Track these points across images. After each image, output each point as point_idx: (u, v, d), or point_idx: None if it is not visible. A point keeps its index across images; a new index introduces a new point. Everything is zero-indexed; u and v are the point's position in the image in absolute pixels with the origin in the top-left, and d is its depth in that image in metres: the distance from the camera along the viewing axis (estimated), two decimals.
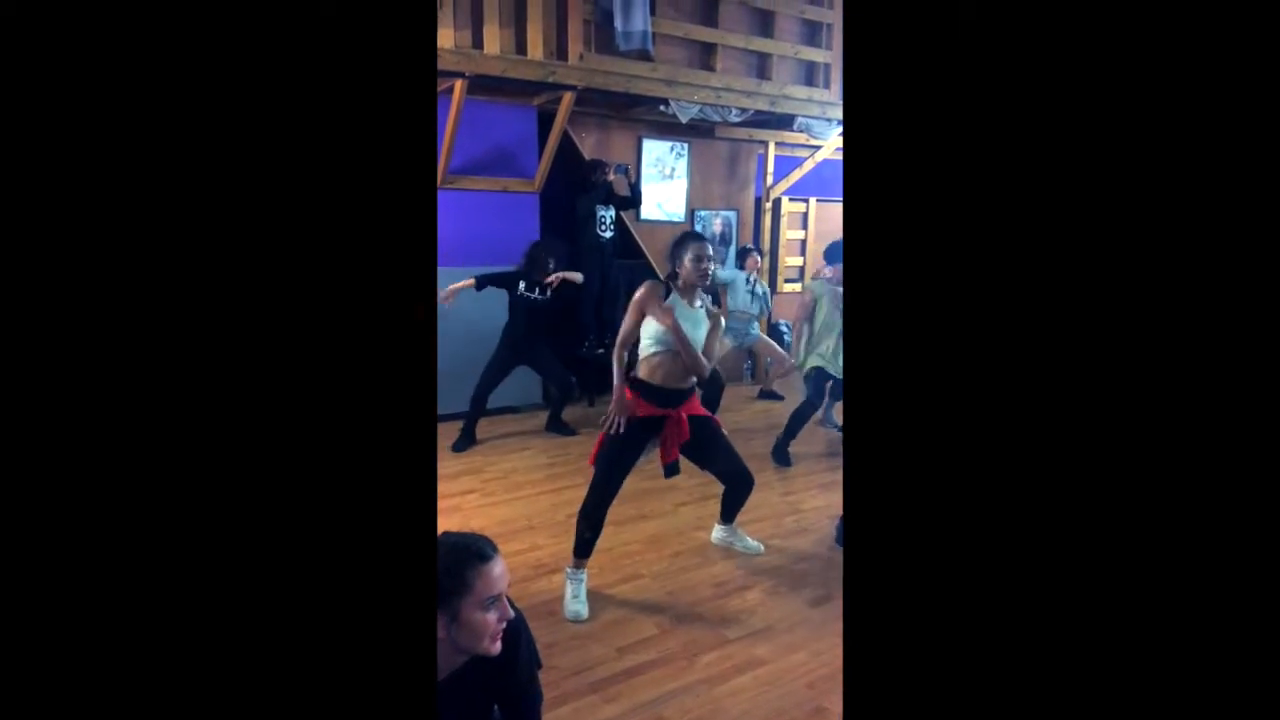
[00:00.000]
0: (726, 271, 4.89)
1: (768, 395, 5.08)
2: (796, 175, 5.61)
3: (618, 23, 4.03)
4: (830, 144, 5.33)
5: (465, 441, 3.84)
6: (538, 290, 3.83)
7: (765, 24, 4.83)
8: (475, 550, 1.10)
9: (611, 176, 4.46)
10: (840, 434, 4.10)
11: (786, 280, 5.91)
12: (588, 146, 4.75)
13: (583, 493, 2.34)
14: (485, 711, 1.24)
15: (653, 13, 4.20)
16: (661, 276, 2.42)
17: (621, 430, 2.27)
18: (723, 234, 5.52)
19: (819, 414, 3.95)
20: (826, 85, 5.04)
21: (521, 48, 3.82)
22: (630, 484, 2.40)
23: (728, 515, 2.67)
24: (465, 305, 4.10)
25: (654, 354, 2.28)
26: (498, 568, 1.11)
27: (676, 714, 1.80)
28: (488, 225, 4.33)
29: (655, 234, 4.98)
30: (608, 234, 4.52)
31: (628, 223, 4.91)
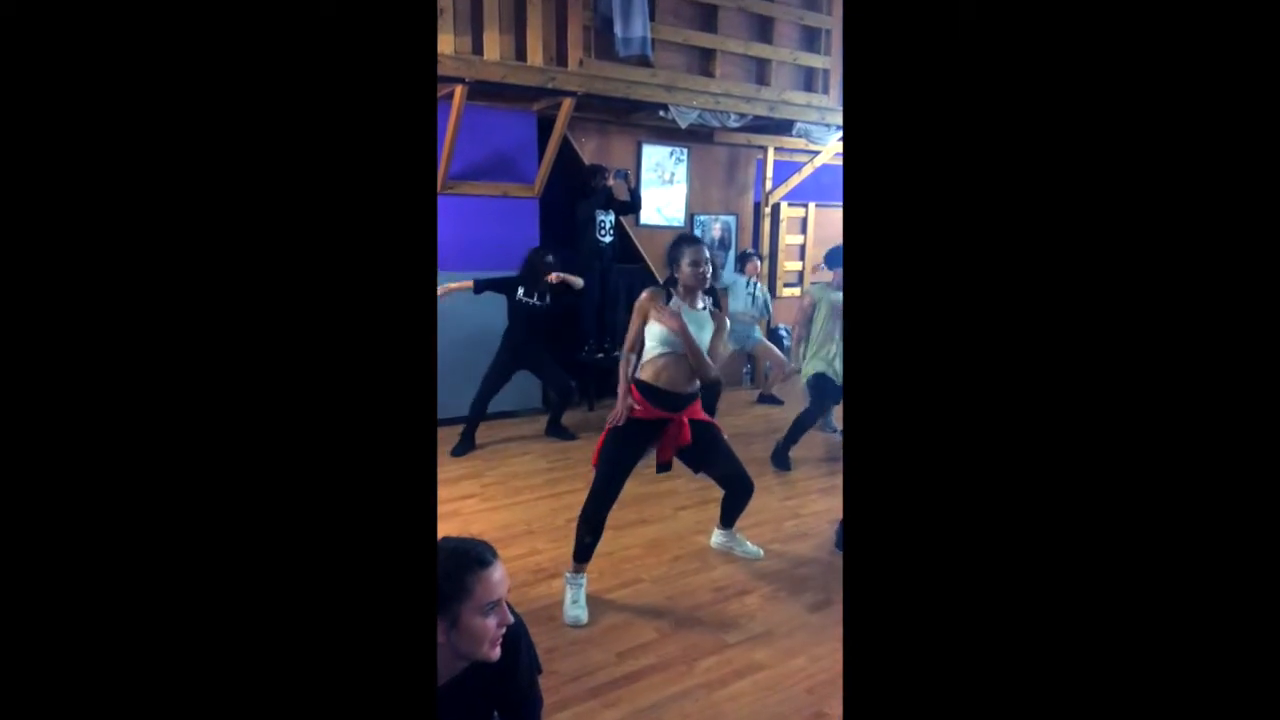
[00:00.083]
0: (726, 275, 4.90)
1: (767, 400, 5.08)
2: (795, 180, 5.62)
3: (617, 29, 4.05)
4: (829, 149, 5.34)
5: (465, 446, 3.84)
6: (536, 296, 3.84)
7: (764, 30, 4.84)
8: (475, 555, 1.11)
9: (611, 182, 4.47)
10: (839, 438, 4.10)
11: (785, 285, 5.92)
12: (587, 152, 4.76)
13: (583, 497, 2.34)
14: (485, 717, 1.23)
15: (652, 19, 4.22)
16: (661, 281, 2.43)
17: (623, 422, 2.27)
18: (722, 239, 5.53)
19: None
20: (825, 91, 5.05)
21: (521, 53, 3.83)
22: (629, 488, 2.40)
23: (727, 520, 2.67)
24: (464, 310, 4.11)
25: (658, 356, 2.29)
26: (497, 573, 1.12)
27: (676, 719, 1.80)
28: (487, 230, 4.34)
29: (655, 239, 4.98)
30: (607, 239, 4.53)
31: (627, 228, 4.92)
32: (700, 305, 2.34)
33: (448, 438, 3.83)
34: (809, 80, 5.04)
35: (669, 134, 4.98)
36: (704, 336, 2.29)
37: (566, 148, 4.53)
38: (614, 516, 2.34)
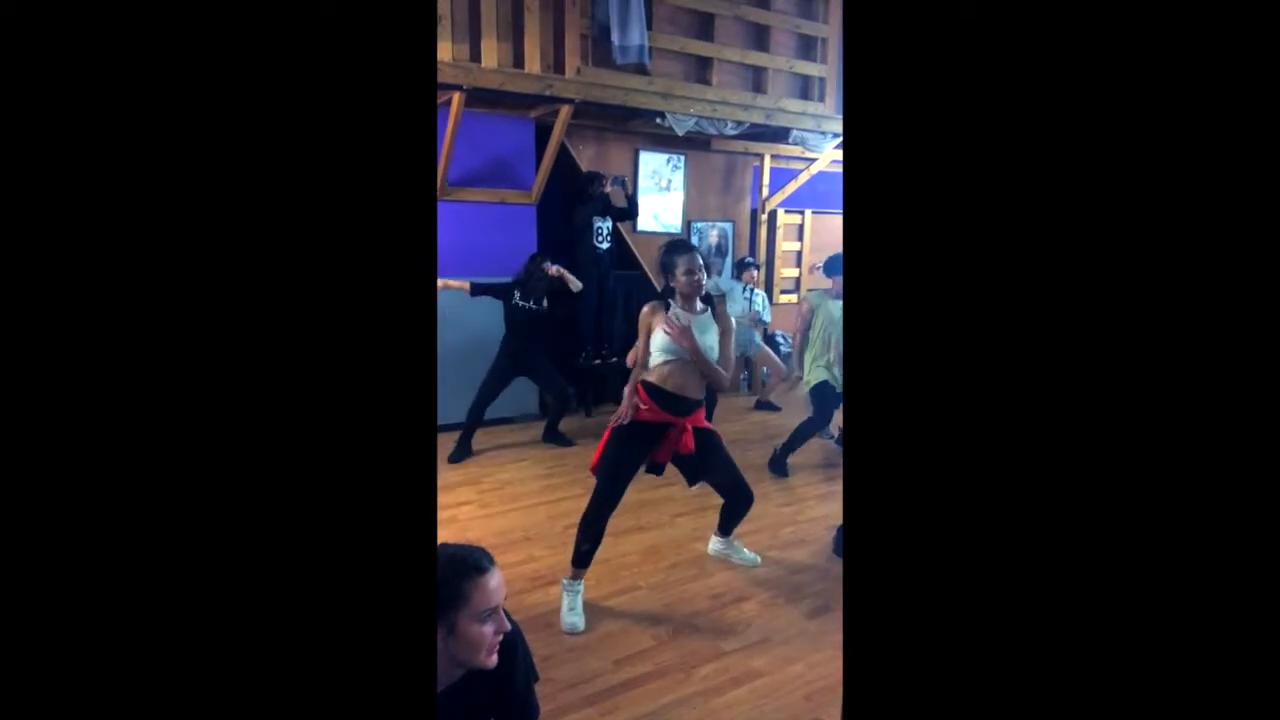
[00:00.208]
0: (724, 282, 4.91)
1: (764, 406, 5.08)
2: (792, 187, 5.64)
3: (615, 37, 4.07)
4: (825, 157, 5.37)
5: (461, 452, 3.84)
6: (534, 301, 3.85)
7: (760, 38, 4.87)
8: (472, 562, 1.10)
9: (608, 188, 4.49)
10: (835, 444, 4.11)
11: (782, 291, 5.93)
12: (585, 159, 4.77)
13: (580, 504, 2.33)
14: None
15: (649, 27, 4.24)
16: (658, 287, 2.43)
17: (628, 421, 2.26)
18: (719, 245, 5.54)
19: None
20: (821, 99, 5.08)
21: (519, 61, 3.85)
22: (628, 495, 2.39)
23: (725, 529, 2.66)
24: (463, 317, 4.11)
25: (664, 363, 2.29)
26: (494, 580, 1.11)
27: None
28: (485, 237, 4.35)
29: (652, 245, 4.99)
30: (604, 245, 4.54)
31: (624, 234, 4.93)
32: (700, 309, 2.34)
33: (444, 444, 3.82)
34: (805, 88, 5.07)
35: (666, 141, 5.00)
36: (710, 339, 2.30)
37: (564, 155, 4.55)
38: (611, 523, 2.33)
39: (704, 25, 4.63)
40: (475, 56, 3.73)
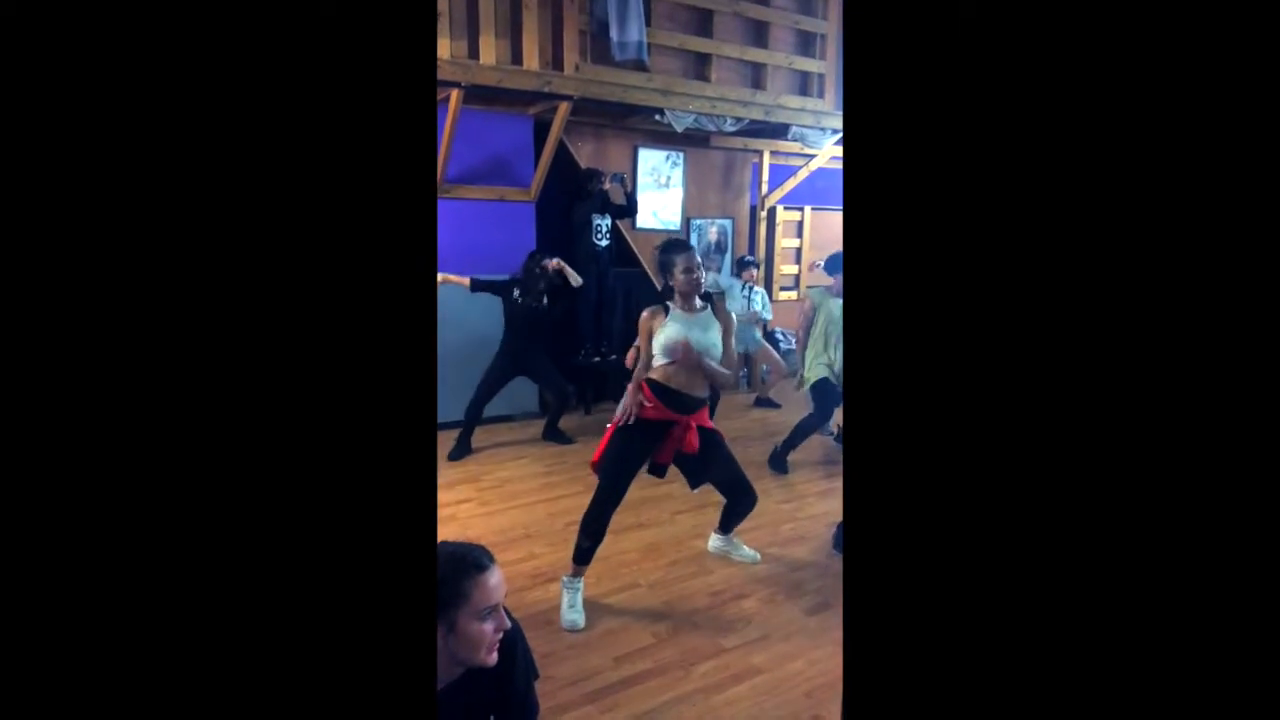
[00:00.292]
0: (723, 279, 4.90)
1: (764, 403, 5.08)
2: (791, 184, 5.63)
3: (613, 33, 4.06)
4: (825, 153, 5.36)
5: (461, 450, 3.84)
6: (533, 299, 3.84)
7: (759, 34, 4.86)
8: (472, 560, 1.10)
9: (607, 185, 4.48)
10: (835, 441, 4.11)
11: (781, 288, 5.93)
12: (584, 156, 4.77)
13: (580, 501, 2.34)
14: None
15: (648, 23, 4.23)
16: (658, 286, 2.43)
17: (633, 420, 2.26)
18: (718, 242, 5.54)
19: None
20: (820, 95, 5.07)
21: (517, 58, 3.84)
22: (628, 493, 2.39)
23: (726, 527, 2.66)
24: (463, 316, 4.11)
25: (667, 364, 2.28)
26: (494, 578, 1.11)
27: None
28: (484, 234, 4.34)
29: (651, 242, 4.98)
30: (603, 242, 4.53)
31: (623, 231, 4.93)
32: (698, 304, 2.34)
33: (444, 442, 3.82)
34: (804, 84, 5.06)
35: (665, 138, 4.99)
36: (712, 337, 2.30)
37: (563, 152, 4.54)
38: (611, 520, 2.33)
39: (703, 21, 4.62)
40: (473, 53, 3.72)
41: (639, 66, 4.21)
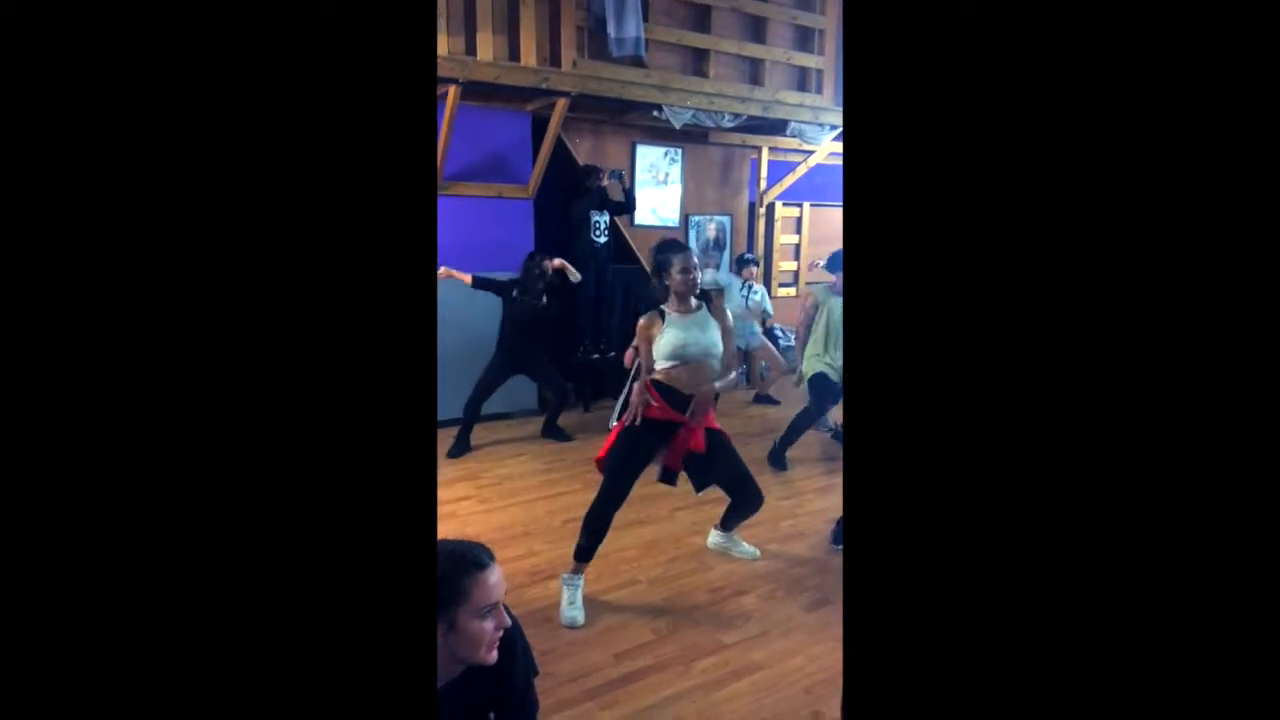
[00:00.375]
0: (723, 276, 4.90)
1: (763, 400, 5.09)
2: (790, 180, 5.63)
3: (611, 29, 4.05)
4: (823, 149, 5.35)
5: (460, 448, 3.84)
6: (532, 298, 3.84)
7: (757, 30, 4.85)
8: (472, 558, 1.10)
9: (606, 182, 4.47)
10: (832, 438, 4.11)
11: (780, 285, 5.92)
12: (582, 152, 4.76)
13: (579, 498, 2.34)
14: None
15: (646, 19, 4.22)
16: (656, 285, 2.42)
17: (638, 422, 2.26)
18: (717, 239, 5.53)
19: None
20: (819, 90, 5.06)
21: (515, 54, 3.83)
22: None
23: (727, 524, 2.66)
24: (463, 315, 4.10)
25: (671, 367, 2.28)
26: (494, 576, 1.11)
27: None
28: (482, 231, 4.33)
29: (649, 239, 4.98)
30: (602, 239, 4.53)
31: (622, 228, 4.92)
32: (693, 303, 2.34)
33: (443, 440, 3.82)
34: (802, 80, 5.05)
35: (663, 134, 4.98)
36: (712, 336, 2.29)
37: (561, 148, 4.53)
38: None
39: (700, 17, 4.60)
40: (470, 50, 3.71)
41: (637, 62, 4.20)
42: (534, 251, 3.98)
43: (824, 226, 5.97)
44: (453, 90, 3.67)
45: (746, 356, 5.28)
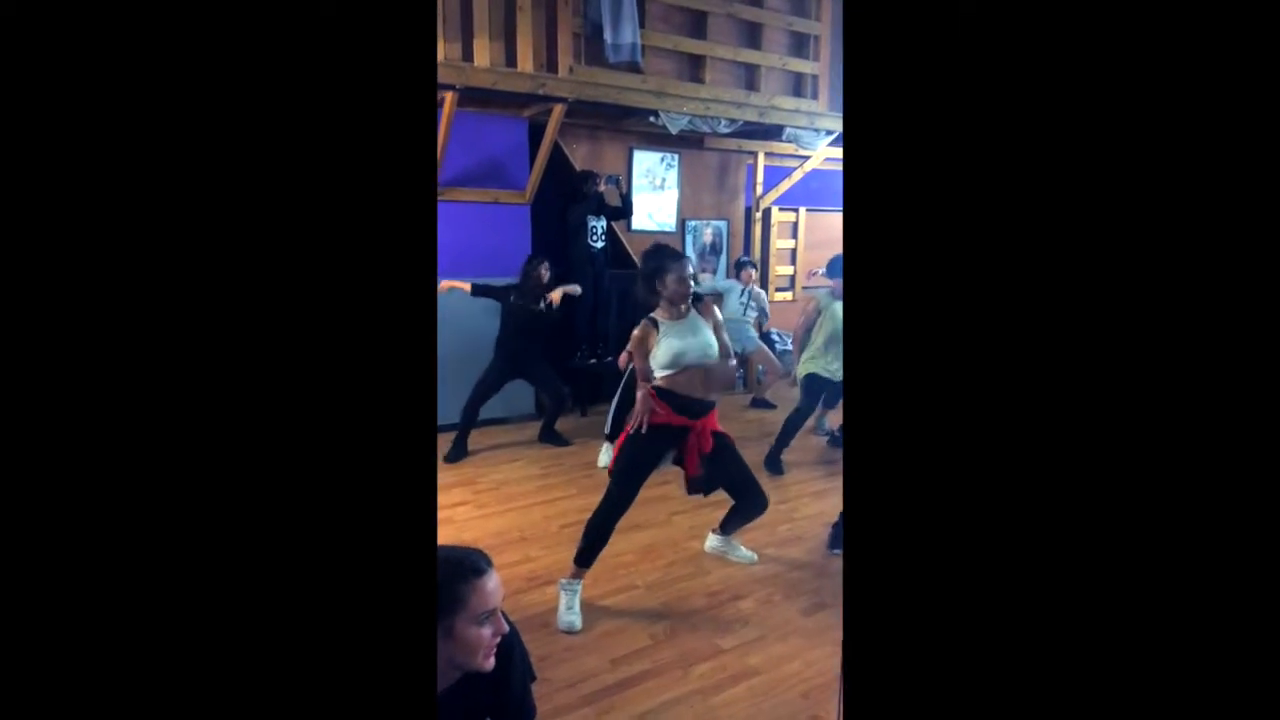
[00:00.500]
0: (721, 282, 4.91)
1: (760, 404, 5.09)
2: (786, 185, 5.64)
3: (607, 35, 4.06)
4: (819, 154, 5.37)
5: (457, 453, 3.83)
6: (530, 302, 3.84)
7: (753, 36, 4.86)
8: (469, 565, 1.10)
9: (602, 187, 4.48)
10: (829, 442, 4.11)
11: (777, 289, 5.93)
12: (578, 158, 4.77)
13: (576, 503, 2.34)
14: None
15: (642, 25, 4.23)
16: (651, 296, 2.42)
17: (645, 429, 2.26)
18: (713, 244, 5.54)
19: (810, 421, 3.96)
20: (814, 96, 5.08)
21: (512, 60, 3.84)
22: None
23: (727, 528, 2.66)
24: (462, 319, 4.10)
25: (671, 375, 2.29)
26: (492, 582, 1.11)
27: None
28: (479, 237, 4.33)
29: (646, 244, 4.95)
30: (599, 244, 4.53)
31: (619, 233, 4.93)
32: (684, 308, 2.34)
33: (440, 445, 3.81)
34: (798, 85, 5.07)
35: (660, 140, 4.99)
36: (708, 337, 2.30)
37: (557, 154, 4.54)
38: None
39: (696, 23, 4.62)
40: (468, 56, 3.72)
41: (633, 68, 4.21)
42: (532, 255, 3.98)
43: (820, 231, 5.98)
44: (450, 96, 3.68)
45: (744, 361, 5.29)
